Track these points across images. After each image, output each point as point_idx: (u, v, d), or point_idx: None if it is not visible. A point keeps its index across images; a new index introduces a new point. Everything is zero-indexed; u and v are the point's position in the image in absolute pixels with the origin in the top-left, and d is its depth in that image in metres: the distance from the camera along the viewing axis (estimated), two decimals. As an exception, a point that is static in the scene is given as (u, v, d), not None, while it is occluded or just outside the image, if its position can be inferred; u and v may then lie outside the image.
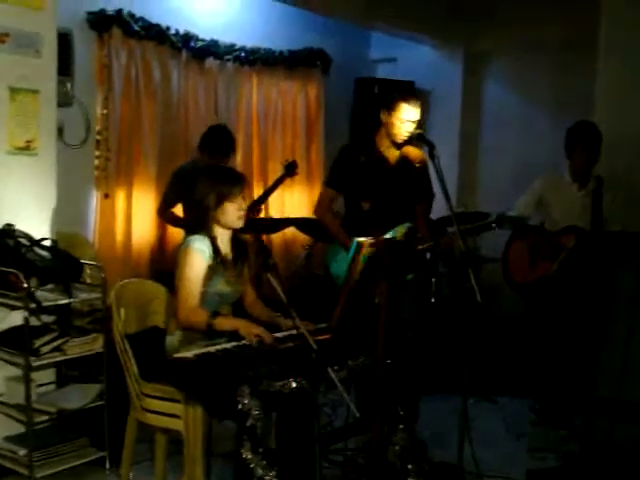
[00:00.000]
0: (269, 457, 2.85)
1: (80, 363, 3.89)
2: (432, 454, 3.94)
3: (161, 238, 5.42)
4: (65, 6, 4.28)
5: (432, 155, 3.71)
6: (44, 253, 3.63)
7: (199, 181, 3.39)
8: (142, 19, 5.08)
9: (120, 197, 5.11)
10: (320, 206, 4.18)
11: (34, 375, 3.62)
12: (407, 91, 4.82)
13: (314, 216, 4.32)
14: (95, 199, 5.04)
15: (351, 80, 6.91)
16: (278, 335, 3.26)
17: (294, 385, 2.98)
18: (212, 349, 3.10)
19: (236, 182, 3.38)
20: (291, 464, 3.27)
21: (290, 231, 6.05)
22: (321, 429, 3.67)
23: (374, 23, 6.51)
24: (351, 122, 6.97)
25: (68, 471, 3.66)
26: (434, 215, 4.54)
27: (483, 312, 3.51)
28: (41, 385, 3.81)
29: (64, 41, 4.39)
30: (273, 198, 5.84)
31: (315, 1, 5.83)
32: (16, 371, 3.66)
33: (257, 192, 5.86)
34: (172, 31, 5.33)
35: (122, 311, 3.45)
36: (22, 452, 3.56)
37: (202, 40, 5.56)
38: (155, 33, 5.20)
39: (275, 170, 5.96)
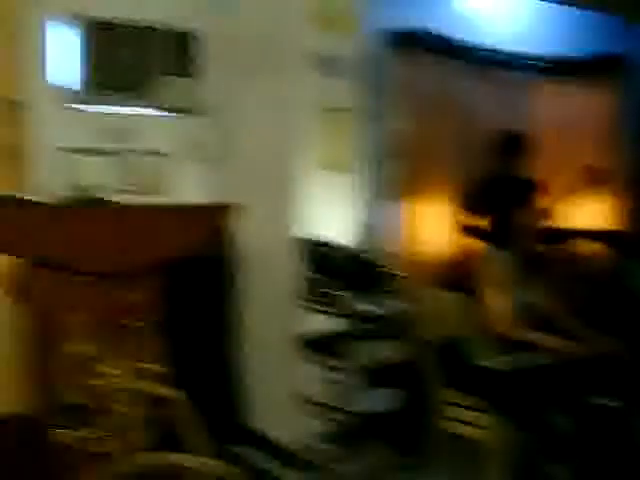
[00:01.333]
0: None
1: (384, 369, 4.06)
2: None
3: (455, 247, 5.47)
4: (370, 27, 4.49)
5: None
6: (353, 262, 3.84)
7: (500, 193, 3.40)
8: (440, 35, 5.19)
9: (416, 208, 5.26)
10: None
11: (340, 377, 3.84)
12: None
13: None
14: (395, 210, 5.21)
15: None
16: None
17: (606, 402, 2.87)
18: (522, 361, 3.08)
19: (532, 191, 3.36)
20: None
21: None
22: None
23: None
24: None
25: (368, 471, 3.83)
26: None
27: None
28: (345, 386, 4.02)
29: (370, 61, 4.62)
30: (563, 207, 5.67)
31: None
32: (327, 373, 3.91)
33: (551, 203, 5.71)
34: (465, 44, 5.38)
35: (425, 319, 3.55)
36: (330, 449, 3.79)
37: (497, 51, 5.56)
38: (451, 48, 5.29)
39: (567, 181, 5.78)
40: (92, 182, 4.01)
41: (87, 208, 2.83)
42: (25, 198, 2.83)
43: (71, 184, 3.94)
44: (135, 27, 4.08)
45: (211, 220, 2.69)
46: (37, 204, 3.08)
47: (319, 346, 3.84)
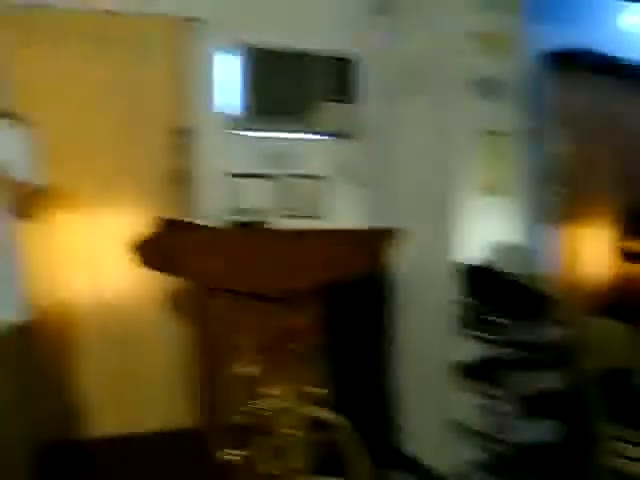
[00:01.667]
0: None
1: (544, 398, 3.92)
2: None
3: (616, 274, 5.24)
4: (529, 48, 4.39)
5: None
6: (513, 288, 3.75)
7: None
8: (601, 54, 5.00)
9: (573, 232, 5.08)
10: None
11: (497, 405, 3.75)
12: None
13: None
14: (555, 234, 5.05)
15: None
16: None
17: None
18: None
19: None
20: None
21: None
22: None
23: None
24: None
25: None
26: None
27: None
28: (502, 415, 3.92)
29: (530, 82, 4.51)
30: None
31: None
32: (481, 400, 3.83)
33: None
34: (627, 62, 5.15)
35: (587, 348, 3.41)
36: (484, 478, 3.70)
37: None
38: (613, 66, 5.08)
39: None
40: (253, 206, 4.15)
41: (250, 231, 2.91)
42: (194, 222, 2.97)
43: (234, 208, 4.09)
44: (295, 54, 4.19)
45: (373, 244, 2.70)
46: (205, 228, 3.22)
47: (476, 373, 3.77)
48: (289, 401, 2.57)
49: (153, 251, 2.97)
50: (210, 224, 3.57)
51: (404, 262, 3.88)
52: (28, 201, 2.51)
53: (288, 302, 2.53)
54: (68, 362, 3.75)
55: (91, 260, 3.85)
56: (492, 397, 3.65)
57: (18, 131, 2.55)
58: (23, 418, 2.56)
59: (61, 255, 3.72)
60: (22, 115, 2.54)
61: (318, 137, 4.33)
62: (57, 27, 3.74)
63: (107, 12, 3.79)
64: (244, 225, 3.14)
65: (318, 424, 2.65)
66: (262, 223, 3.20)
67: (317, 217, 4.30)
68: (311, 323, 2.68)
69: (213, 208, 4.03)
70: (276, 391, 2.56)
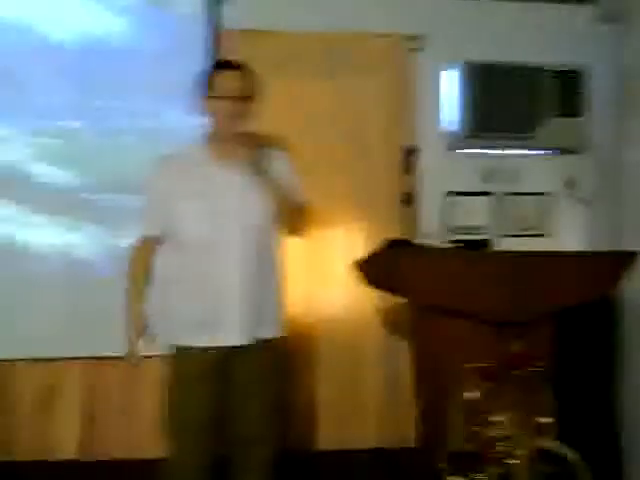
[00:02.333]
0: None
1: None
2: None
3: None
4: None
5: None
6: None
7: None
8: None
9: None
10: None
11: None
12: None
13: None
14: None
15: None
16: None
17: None
18: None
19: None
20: None
21: None
22: None
23: None
24: None
25: None
26: None
27: None
28: None
29: None
30: None
31: None
32: None
33: None
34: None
35: None
36: None
37: None
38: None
39: None
40: (476, 224, 4.09)
41: (476, 253, 2.87)
42: (419, 242, 2.98)
43: (455, 226, 4.06)
44: (518, 68, 4.09)
45: (613, 269, 2.56)
46: (430, 248, 3.23)
47: None
48: (514, 429, 2.50)
49: (376, 270, 3.03)
50: (434, 244, 3.56)
51: (633, 284, 3.63)
52: (300, 219, 2.65)
53: (515, 327, 2.47)
54: (301, 375, 3.89)
55: (321, 275, 3.98)
56: None
57: (283, 155, 2.70)
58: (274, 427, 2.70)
59: (298, 270, 3.87)
60: (282, 139, 2.68)
61: (542, 153, 4.20)
62: (282, 50, 3.91)
63: (330, 33, 3.91)
64: (469, 246, 3.10)
65: (544, 454, 2.56)
66: (487, 243, 3.13)
67: (541, 235, 4.17)
68: (538, 349, 2.60)
69: (434, 227, 4.02)
70: (500, 418, 2.51)
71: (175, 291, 2.65)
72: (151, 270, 2.71)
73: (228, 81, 2.58)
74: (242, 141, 2.51)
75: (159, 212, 2.66)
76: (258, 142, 2.50)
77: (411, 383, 3.77)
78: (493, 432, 2.48)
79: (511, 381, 2.52)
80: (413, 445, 3.71)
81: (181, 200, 2.60)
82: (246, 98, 2.58)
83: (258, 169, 2.51)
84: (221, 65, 2.70)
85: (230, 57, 3.59)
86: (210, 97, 2.60)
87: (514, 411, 2.51)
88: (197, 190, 2.60)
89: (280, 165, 2.62)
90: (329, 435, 3.96)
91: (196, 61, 3.67)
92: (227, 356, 2.61)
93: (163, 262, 2.69)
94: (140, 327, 2.66)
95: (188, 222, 2.59)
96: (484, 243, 3.20)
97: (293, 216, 2.62)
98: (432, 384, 2.76)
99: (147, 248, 2.72)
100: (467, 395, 2.49)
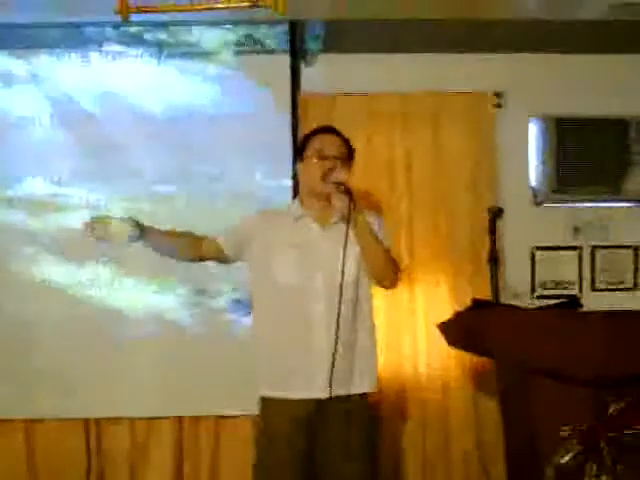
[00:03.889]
0: None
1: None
2: None
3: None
4: None
5: None
6: None
7: None
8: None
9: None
10: None
11: None
12: None
13: None
14: None
15: None
16: None
17: None
18: None
19: None
20: None
21: None
22: None
23: None
24: None
25: None
26: None
27: None
28: None
29: None
30: None
31: None
32: None
33: None
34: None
35: None
36: None
37: None
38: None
39: None
40: (566, 279, 4.02)
41: (564, 313, 2.79)
42: (505, 303, 2.94)
43: (543, 281, 4.00)
44: (602, 119, 4.05)
45: None
46: (517, 309, 3.17)
47: None
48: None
49: (459, 331, 3.00)
50: (522, 305, 3.51)
51: None
52: (394, 270, 2.68)
53: (612, 388, 2.39)
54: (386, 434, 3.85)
55: (409, 332, 3.96)
56: None
57: (378, 218, 2.79)
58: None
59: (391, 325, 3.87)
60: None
61: (633, 205, 4.11)
62: (362, 111, 3.96)
63: (409, 93, 3.97)
64: (560, 305, 3.02)
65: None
66: (578, 301, 3.04)
67: (633, 288, 4.07)
68: (632, 410, 2.50)
69: (523, 283, 3.97)
70: (600, 485, 2.41)
71: (269, 342, 2.67)
72: (183, 250, 2.77)
73: (325, 142, 2.69)
74: (337, 203, 2.57)
75: (239, 240, 2.74)
76: (353, 204, 2.54)
77: (499, 443, 3.69)
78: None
79: (609, 444, 2.43)
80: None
81: (276, 250, 2.67)
82: (341, 159, 2.67)
83: (352, 223, 2.55)
84: (320, 129, 2.80)
85: (313, 120, 3.74)
86: (308, 156, 2.70)
87: (610, 476, 2.41)
88: (292, 242, 2.66)
89: (374, 226, 2.66)
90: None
91: (282, 124, 3.82)
92: (317, 411, 2.59)
93: (258, 314, 2.74)
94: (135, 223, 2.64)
95: (281, 272, 2.64)
96: (575, 302, 3.10)
97: (382, 267, 2.64)
98: (524, 447, 2.68)
99: (208, 243, 2.77)
100: (562, 459, 2.41)
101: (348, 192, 2.55)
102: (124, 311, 3.79)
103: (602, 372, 2.40)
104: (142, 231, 2.67)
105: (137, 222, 2.65)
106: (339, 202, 2.56)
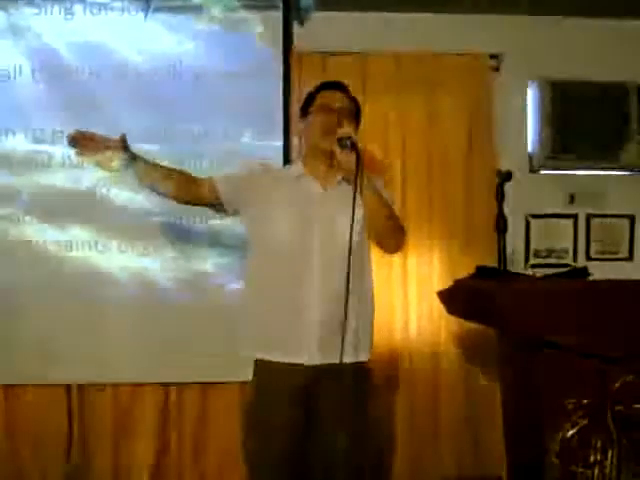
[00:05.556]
0: None
1: None
2: None
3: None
4: None
5: None
6: None
7: None
8: None
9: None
10: None
11: None
12: None
13: None
14: None
15: None
16: None
17: None
18: None
19: None
20: None
21: None
22: None
23: None
24: None
25: None
26: None
27: None
28: None
29: None
30: None
31: None
32: None
33: None
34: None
35: None
36: None
37: None
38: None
39: None
40: (563, 247, 3.96)
41: (576, 283, 2.71)
42: (506, 270, 2.85)
43: (540, 250, 3.94)
44: (601, 85, 3.95)
45: None
46: (526, 277, 3.09)
47: None
48: (615, 471, 2.35)
49: (462, 299, 2.91)
50: (526, 272, 3.44)
51: None
52: (399, 233, 2.57)
53: (619, 361, 2.33)
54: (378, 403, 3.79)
55: (405, 300, 3.89)
56: None
57: (379, 179, 2.65)
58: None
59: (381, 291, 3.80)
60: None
61: (630, 173, 4.03)
62: (356, 70, 3.83)
63: (403, 53, 3.86)
64: (568, 275, 2.94)
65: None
66: (583, 270, 2.96)
67: (629, 259, 4.02)
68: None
69: (519, 251, 3.90)
70: (601, 457, 2.36)
71: (262, 301, 2.56)
72: (176, 186, 2.60)
73: (330, 97, 2.58)
74: (342, 158, 2.42)
75: (237, 187, 2.62)
76: (361, 162, 2.39)
77: (492, 413, 3.66)
78: (593, 473, 2.33)
79: (614, 418, 2.38)
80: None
81: (274, 205, 2.55)
82: (347, 115, 2.54)
83: (355, 183, 2.38)
84: (325, 84, 2.67)
85: (305, 79, 3.62)
86: (310, 112, 2.59)
87: (614, 450, 2.36)
88: (291, 200, 2.55)
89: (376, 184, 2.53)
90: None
91: (272, 83, 3.68)
92: (312, 379, 2.49)
93: (253, 272, 2.63)
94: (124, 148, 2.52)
95: (278, 229, 2.53)
96: (583, 271, 3.00)
97: (389, 230, 2.53)
98: (525, 420, 2.62)
99: (203, 183, 2.63)
100: (567, 433, 2.35)
101: (354, 147, 2.38)
102: (107, 274, 3.66)
103: (606, 344, 2.33)
104: (134, 159, 2.55)
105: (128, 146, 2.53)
106: (345, 158, 2.40)
